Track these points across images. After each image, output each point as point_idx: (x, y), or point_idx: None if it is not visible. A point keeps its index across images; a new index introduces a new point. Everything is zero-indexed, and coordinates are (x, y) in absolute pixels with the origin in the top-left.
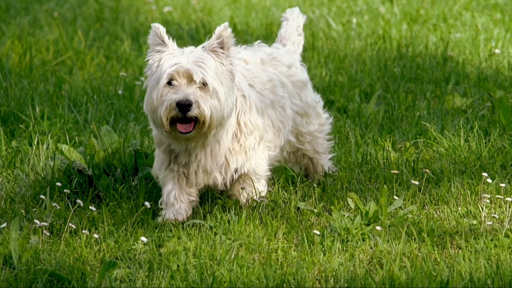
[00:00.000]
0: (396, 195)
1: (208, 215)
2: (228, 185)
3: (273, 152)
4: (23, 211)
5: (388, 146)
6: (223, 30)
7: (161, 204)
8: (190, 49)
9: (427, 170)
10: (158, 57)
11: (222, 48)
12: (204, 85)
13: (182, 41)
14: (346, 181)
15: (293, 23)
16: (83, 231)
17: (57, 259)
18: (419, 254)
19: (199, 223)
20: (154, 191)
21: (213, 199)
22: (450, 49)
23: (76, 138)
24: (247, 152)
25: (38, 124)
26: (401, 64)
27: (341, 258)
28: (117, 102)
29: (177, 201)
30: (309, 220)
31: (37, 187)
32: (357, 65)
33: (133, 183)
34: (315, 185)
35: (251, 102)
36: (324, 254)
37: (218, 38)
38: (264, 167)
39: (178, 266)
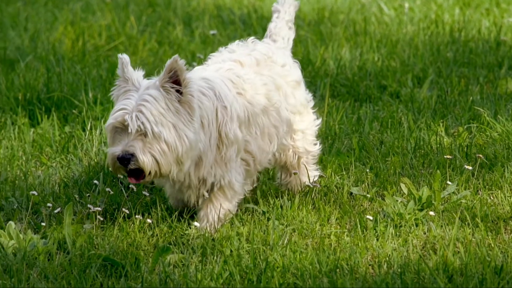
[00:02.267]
0: (450, 180)
1: (260, 200)
2: (199, 202)
3: (257, 161)
4: (76, 196)
5: (441, 131)
6: (173, 62)
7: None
8: (144, 84)
9: (481, 155)
10: (116, 93)
11: (176, 81)
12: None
13: (234, 26)
14: (399, 166)
15: (284, 16)
16: (137, 216)
17: (111, 244)
18: (473, 239)
19: (252, 208)
20: None
21: (266, 184)
22: (503, 34)
23: None
24: (227, 164)
25: (91, 109)
26: (453, 48)
27: (394, 243)
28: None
29: None
30: (362, 205)
31: (90, 172)
32: (409, 50)
33: None
34: (367, 170)
35: (232, 112)
36: (377, 240)
37: (169, 72)
38: (240, 182)
39: (231, 251)
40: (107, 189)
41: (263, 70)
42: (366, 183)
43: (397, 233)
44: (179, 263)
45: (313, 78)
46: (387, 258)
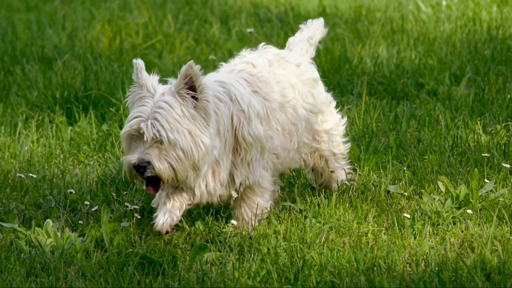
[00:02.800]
0: (487, 178)
1: (298, 198)
2: (233, 199)
3: (281, 159)
4: (114, 195)
5: (479, 129)
6: (189, 68)
7: (153, 203)
8: (160, 90)
9: None
10: (131, 99)
11: (191, 87)
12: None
13: (270, 24)
14: (437, 164)
15: (306, 34)
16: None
17: (148, 242)
18: (511, 237)
19: (289, 206)
20: None
21: (303, 182)
22: None
23: None
24: (249, 164)
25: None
26: (491, 46)
27: (431, 241)
28: None
29: (170, 199)
30: (399, 203)
31: None
32: (447, 47)
33: None
34: (405, 168)
35: (250, 114)
36: (415, 238)
37: (184, 78)
38: (268, 179)
39: (268, 249)
40: (145, 187)
41: (276, 70)
42: (403, 181)
43: (435, 231)
44: (216, 261)
45: (350, 76)
46: (425, 256)
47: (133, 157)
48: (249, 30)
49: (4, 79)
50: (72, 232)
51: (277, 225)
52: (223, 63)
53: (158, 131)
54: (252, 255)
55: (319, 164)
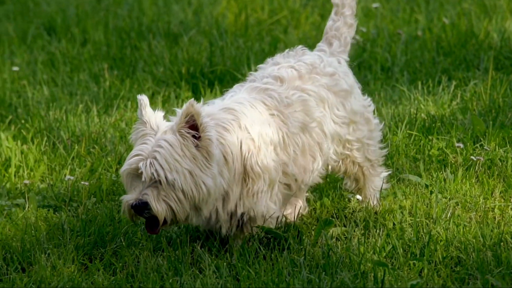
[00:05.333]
0: None
1: (423, 173)
2: (233, 230)
3: (295, 188)
4: None
5: None
6: (189, 107)
7: None
8: (162, 128)
9: None
10: (135, 136)
11: (193, 125)
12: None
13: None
14: None
15: (344, 11)
16: None
17: None
18: None
19: (415, 181)
20: None
21: (428, 160)
22: None
23: None
24: (254, 196)
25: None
26: None
27: None
28: None
29: None
30: None
31: None
32: None
33: None
34: None
35: (260, 143)
36: None
37: (185, 116)
38: (274, 212)
39: (393, 224)
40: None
41: (305, 84)
42: None
43: None
44: (342, 236)
45: (476, 51)
46: None
47: (131, 198)
48: (374, 5)
49: (130, 55)
50: None
51: (402, 200)
52: (252, 72)
53: (156, 170)
54: (378, 230)
55: (352, 170)
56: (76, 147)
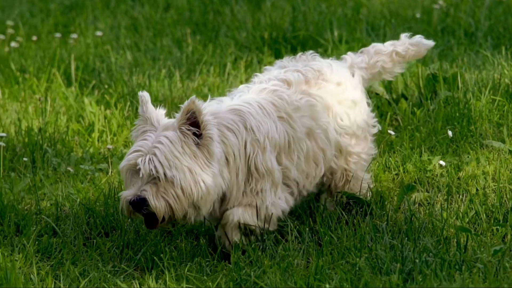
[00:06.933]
0: None
1: (507, 139)
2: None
3: (296, 192)
4: None
5: None
6: (191, 103)
7: None
8: (163, 124)
9: None
10: (135, 133)
11: (194, 123)
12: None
13: None
14: None
15: (397, 48)
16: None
17: None
18: None
19: (498, 147)
20: (453, 116)
21: None
22: None
23: None
24: (258, 193)
25: (336, 48)
26: None
27: None
28: (415, 25)
29: None
30: None
31: None
32: None
33: (431, 107)
34: None
35: (266, 144)
36: None
37: (186, 113)
38: (283, 209)
39: (477, 190)
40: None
41: (311, 89)
42: None
43: None
44: (424, 202)
45: None
46: None
47: (129, 194)
48: None
49: (213, 20)
50: None
51: (486, 166)
52: (258, 74)
53: (155, 167)
54: (461, 196)
55: (337, 184)
56: None
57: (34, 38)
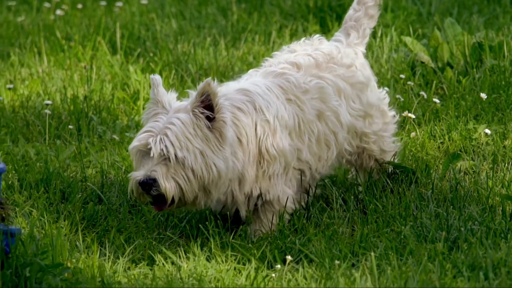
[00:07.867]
0: None
1: None
2: (250, 213)
3: (309, 175)
4: None
5: None
6: (206, 85)
7: None
8: (175, 107)
9: None
10: (146, 116)
11: (208, 105)
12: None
13: None
14: None
15: (368, 1)
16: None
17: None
18: None
19: None
20: (498, 85)
21: None
22: None
23: (420, 30)
24: (271, 178)
25: (382, 17)
26: None
27: None
28: None
29: None
30: None
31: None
32: None
33: (477, 76)
34: None
35: (276, 125)
36: None
37: (201, 95)
38: (290, 196)
39: None
40: (397, 96)
41: (322, 72)
42: None
43: None
44: (470, 170)
45: None
46: None
47: (139, 174)
48: None
49: None
50: None
51: None
52: (268, 58)
53: (166, 147)
54: (506, 164)
55: (367, 164)
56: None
57: (80, 6)
